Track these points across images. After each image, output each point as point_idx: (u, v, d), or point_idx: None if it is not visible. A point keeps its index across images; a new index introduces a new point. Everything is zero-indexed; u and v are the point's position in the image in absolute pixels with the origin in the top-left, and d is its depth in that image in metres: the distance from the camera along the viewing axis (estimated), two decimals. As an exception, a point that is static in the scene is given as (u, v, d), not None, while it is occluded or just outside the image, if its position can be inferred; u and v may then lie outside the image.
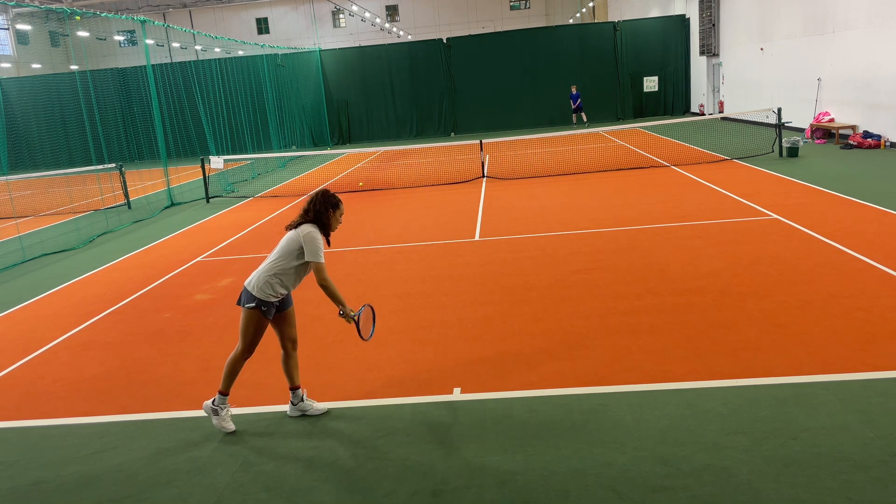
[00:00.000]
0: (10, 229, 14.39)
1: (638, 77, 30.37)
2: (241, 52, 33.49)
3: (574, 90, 28.30)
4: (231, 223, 13.39)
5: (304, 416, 5.02)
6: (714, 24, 25.98)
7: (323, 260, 4.72)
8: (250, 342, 4.79)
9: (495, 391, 5.12)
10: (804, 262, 7.57)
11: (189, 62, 28.62)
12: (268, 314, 4.74)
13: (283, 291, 4.78)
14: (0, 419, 5.41)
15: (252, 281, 4.74)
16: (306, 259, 4.70)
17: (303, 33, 53.36)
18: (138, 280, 9.50)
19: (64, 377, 6.17)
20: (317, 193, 4.87)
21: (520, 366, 5.53)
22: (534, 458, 4.18)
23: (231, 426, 4.86)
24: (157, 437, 4.88)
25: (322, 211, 4.79)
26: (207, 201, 16.50)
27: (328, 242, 4.85)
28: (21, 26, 42.30)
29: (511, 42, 30.63)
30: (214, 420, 4.86)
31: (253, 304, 4.69)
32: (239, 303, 4.77)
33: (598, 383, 5.09)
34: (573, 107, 28.41)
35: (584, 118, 28.44)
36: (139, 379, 5.99)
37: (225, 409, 4.88)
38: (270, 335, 5.00)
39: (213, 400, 4.89)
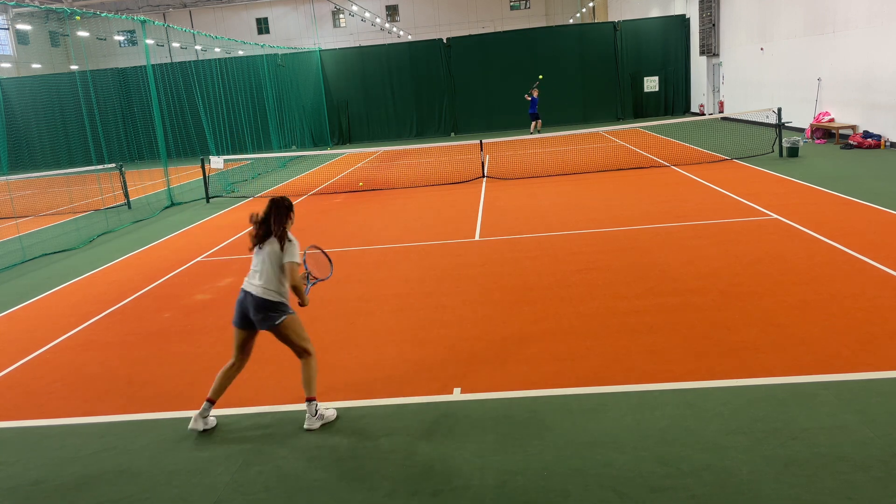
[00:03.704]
0: (10, 229, 14.38)
1: (638, 77, 30.37)
2: (241, 52, 33.51)
3: (535, 94, 25.51)
4: (231, 223, 13.39)
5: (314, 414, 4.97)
6: (714, 24, 25.99)
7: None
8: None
9: (495, 391, 5.12)
10: (804, 262, 7.57)
11: (189, 62, 28.64)
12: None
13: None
14: (0, 419, 5.41)
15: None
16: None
17: (303, 33, 53.38)
18: (138, 280, 9.50)
19: (64, 377, 6.17)
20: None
21: (520, 366, 5.53)
22: (534, 458, 4.18)
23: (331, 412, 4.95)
24: (157, 437, 4.88)
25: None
26: (207, 201, 16.50)
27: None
28: (21, 26, 42.32)
29: (511, 42, 30.62)
30: (320, 423, 4.82)
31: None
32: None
33: (598, 383, 5.09)
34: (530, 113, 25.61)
35: (538, 126, 25.53)
36: (139, 379, 5.99)
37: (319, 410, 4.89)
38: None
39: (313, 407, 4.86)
